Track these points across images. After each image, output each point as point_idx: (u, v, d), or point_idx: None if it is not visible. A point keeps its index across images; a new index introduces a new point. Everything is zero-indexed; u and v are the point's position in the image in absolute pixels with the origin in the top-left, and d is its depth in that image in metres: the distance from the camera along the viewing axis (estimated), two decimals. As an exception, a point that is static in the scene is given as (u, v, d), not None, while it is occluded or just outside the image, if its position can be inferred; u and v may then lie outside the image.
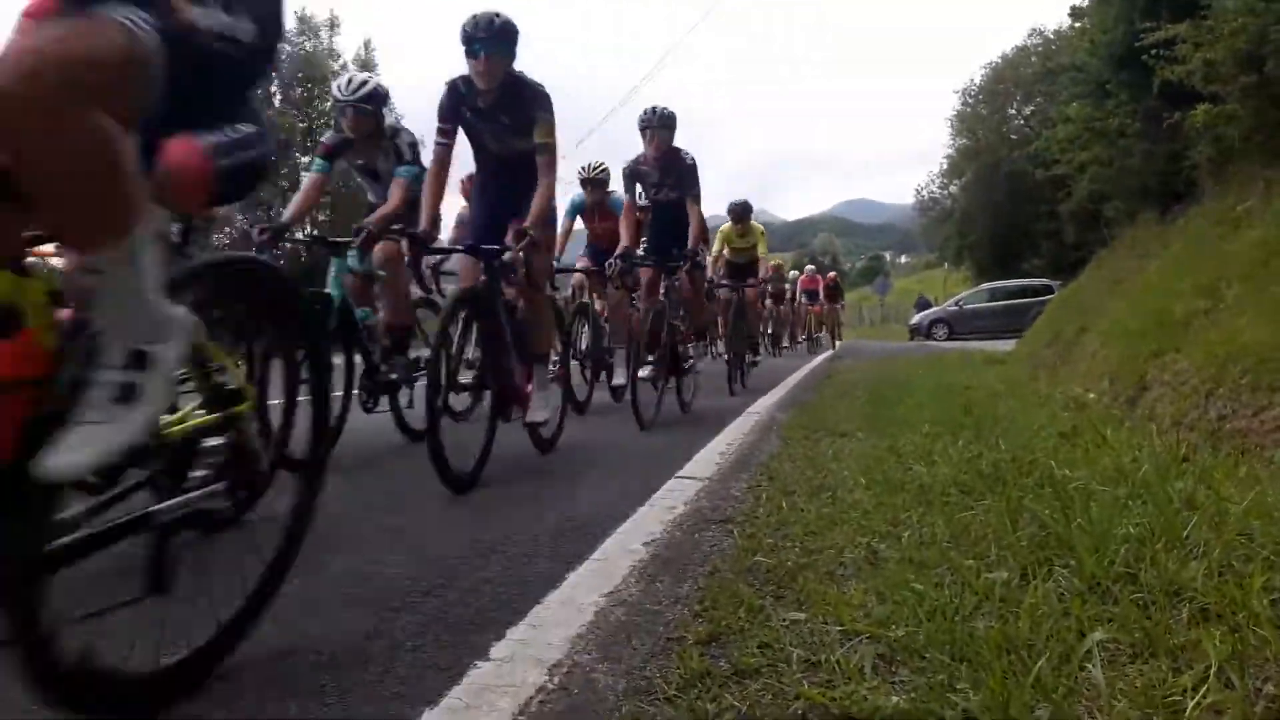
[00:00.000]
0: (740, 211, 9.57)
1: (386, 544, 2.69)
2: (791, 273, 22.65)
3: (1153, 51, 7.42)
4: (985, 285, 28.99)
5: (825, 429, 4.82)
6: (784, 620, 1.79)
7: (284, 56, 30.36)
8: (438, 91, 4.17)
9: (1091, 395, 5.77)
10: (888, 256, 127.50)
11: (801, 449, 4.17)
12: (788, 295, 20.03)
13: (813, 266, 26.31)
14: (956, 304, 27.91)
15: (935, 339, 24.98)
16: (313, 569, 2.41)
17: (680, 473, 3.66)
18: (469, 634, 1.86)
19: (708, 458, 4.09)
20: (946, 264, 42.63)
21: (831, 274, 25.00)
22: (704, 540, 2.56)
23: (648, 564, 2.33)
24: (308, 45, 31.33)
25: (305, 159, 30.08)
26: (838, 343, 21.82)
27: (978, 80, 36.13)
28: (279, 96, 30.66)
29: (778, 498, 2.99)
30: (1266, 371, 3.84)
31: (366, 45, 32.64)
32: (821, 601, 1.87)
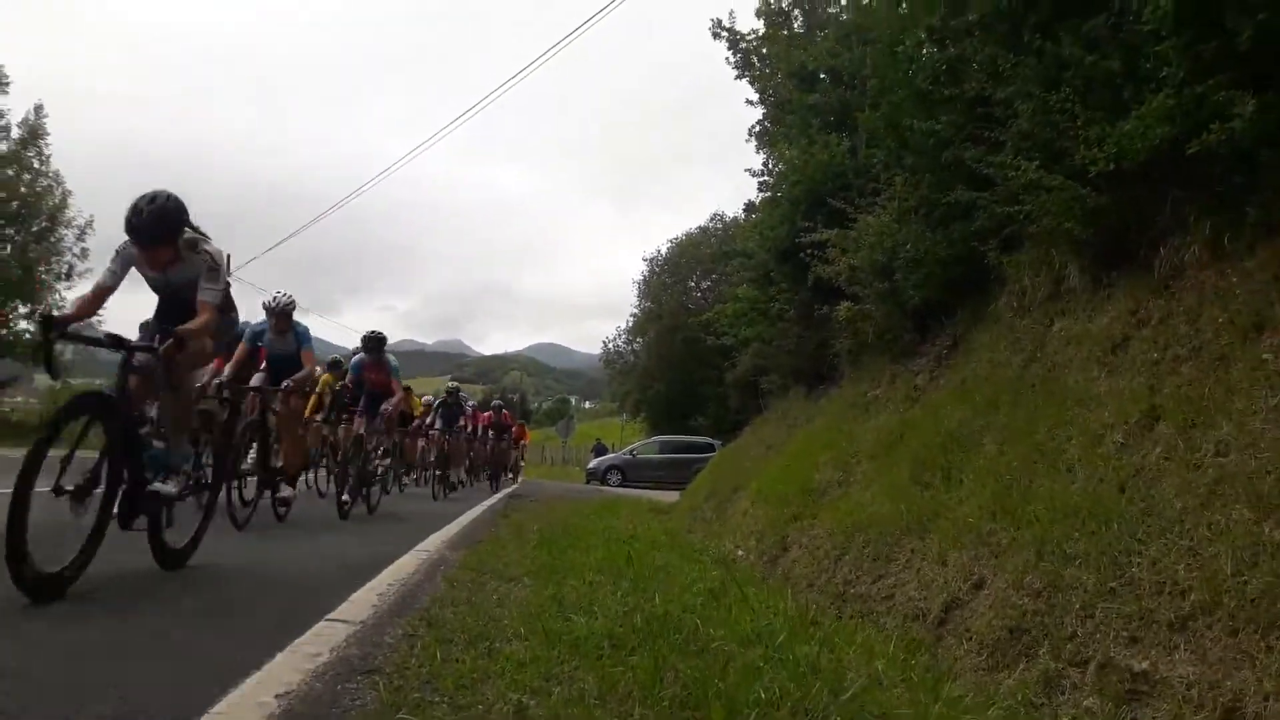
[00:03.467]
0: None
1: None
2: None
3: (809, 250, 8.52)
4: (657, 437, 30.76)
5: (494, 572, 4.73)
6: (418, 789, 1.67)
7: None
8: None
9: (740, 552, 6.22)
10: (573, 401, 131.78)
11: (466, 593, 4.05)
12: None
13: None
14: (631, 453, 29.27)
15: (609, 484, 25.82)
16: None
17: (330, 615, 3.39)
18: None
19: (364, 599, 3.83)
20: (625, 414, 44.79)
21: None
22: (345, 693, 2.35)
23: (278, 718, 2.09)
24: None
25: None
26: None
27: (664, 251, 39.36)
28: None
29: (433, 647, 2.85)
30: (884, 543, 4.36)
31: (38, 110, 28.73)
32: (461, 767, 1.77)
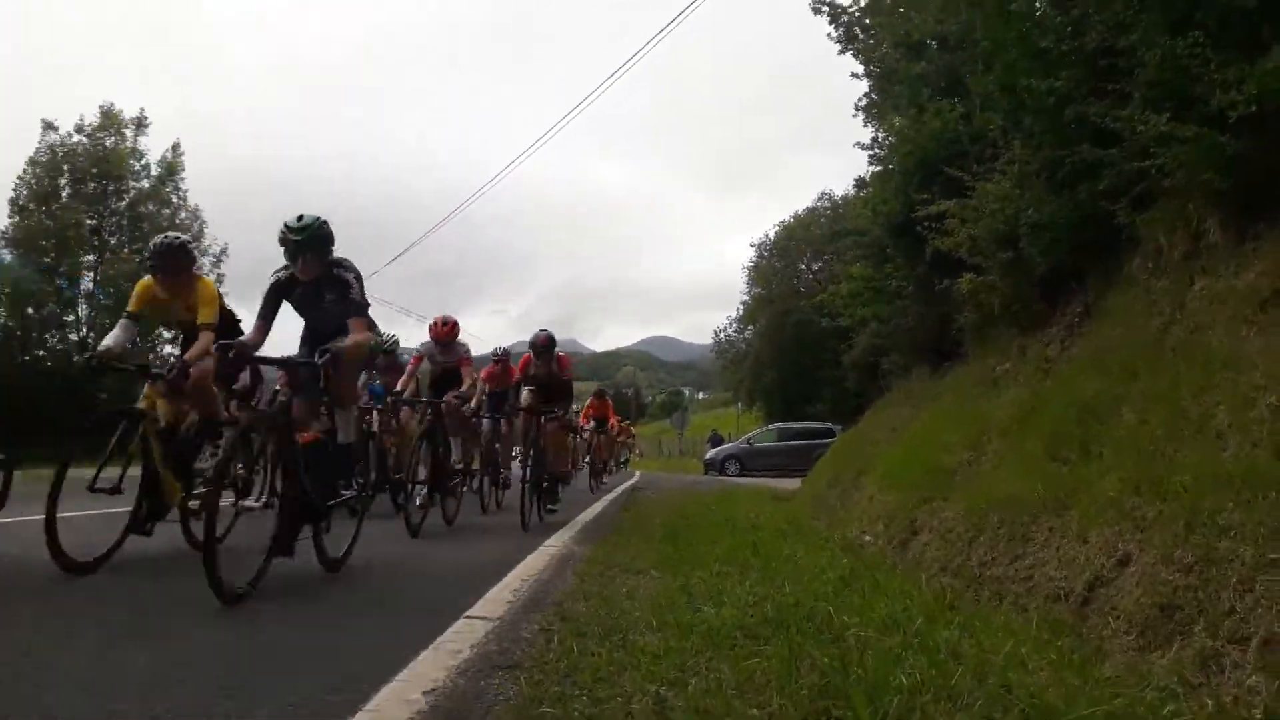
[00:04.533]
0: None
1: (109, 683, 2.37)
2: None
3: (925, 223, 8.24)
4: (774, 425, 30.44)
5: (621, 565, 4.80)
6: (566, 779, 1.71)
7: (79, 151, 28.62)
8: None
9: (868, 537, 6.11)
10: (687, 392, 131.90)
11: (596, 586, 4.13)
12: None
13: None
14: (748, 441, 29.05)
15: (728, 474, 25.70)
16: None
17: (469, 612, 3.51)
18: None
19: (499, 596, 3.95)
20: (740, 403, 44.61)
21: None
22: (489, 688, 2.44)
23: (426, 715, 2.19)
24: (108, 141, 29.31)
25: (89, 257, 28.20)
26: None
27: (772, 235, 38.93)
28: (68, 191, 28.53)
29: (569, 640, 2.91)
30: (1020, 523, 4.20)
31: (175, 148, 30.82)
32: (606, 757, 1.81)
